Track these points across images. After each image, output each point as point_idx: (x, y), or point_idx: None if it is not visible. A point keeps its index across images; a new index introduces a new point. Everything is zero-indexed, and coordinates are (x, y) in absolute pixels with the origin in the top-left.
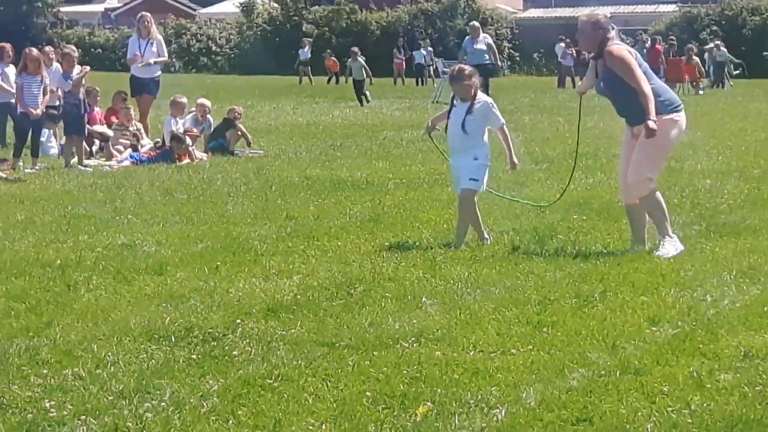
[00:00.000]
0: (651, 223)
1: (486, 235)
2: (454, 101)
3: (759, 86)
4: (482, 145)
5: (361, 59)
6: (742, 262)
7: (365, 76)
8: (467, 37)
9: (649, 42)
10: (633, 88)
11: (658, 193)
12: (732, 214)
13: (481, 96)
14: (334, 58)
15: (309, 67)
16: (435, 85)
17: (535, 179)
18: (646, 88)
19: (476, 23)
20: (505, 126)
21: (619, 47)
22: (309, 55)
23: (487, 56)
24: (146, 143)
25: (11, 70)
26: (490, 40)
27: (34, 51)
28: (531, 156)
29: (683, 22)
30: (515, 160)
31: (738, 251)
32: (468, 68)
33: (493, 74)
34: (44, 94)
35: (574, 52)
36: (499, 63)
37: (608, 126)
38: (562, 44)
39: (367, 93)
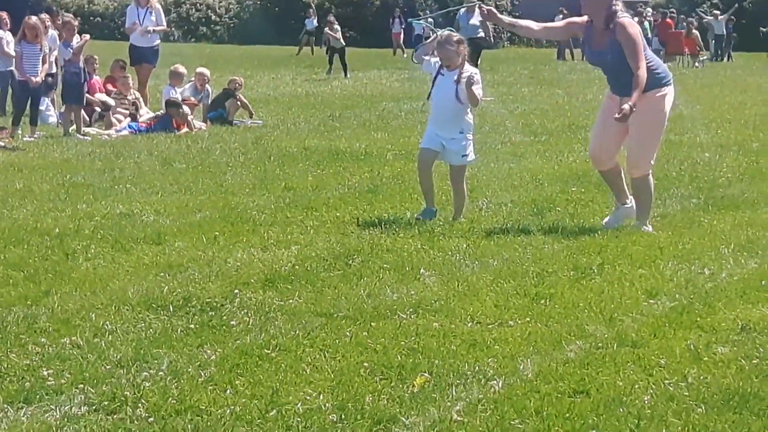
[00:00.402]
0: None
1: (433, 210)
2: (441, 70)
3: (758, 59)
4: (467, 117)
5: (338, 27)
6: (740, 235)
7: (344, 44)
8: (462, 11)
9: (650, 16)
10: (625, 60)
11: (650, 176)
12: (730, 187)
13: (468, 67)
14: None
15: (314, 37)
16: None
17: (534, 151)
18: (644, 72)
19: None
20: (470, 113)
21: (632, 22)
22: (315, 25)
23: (480, 31)
24: (145, 112)
25: (9, 37)
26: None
27: (33, 19)
28: (529, 128)
29: None
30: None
31: (736, 224)
32: (456, 35)
33: (484, 48)
34: (43, 62)
35: None
36: (492, 39)
37: None
38: (560, 17)
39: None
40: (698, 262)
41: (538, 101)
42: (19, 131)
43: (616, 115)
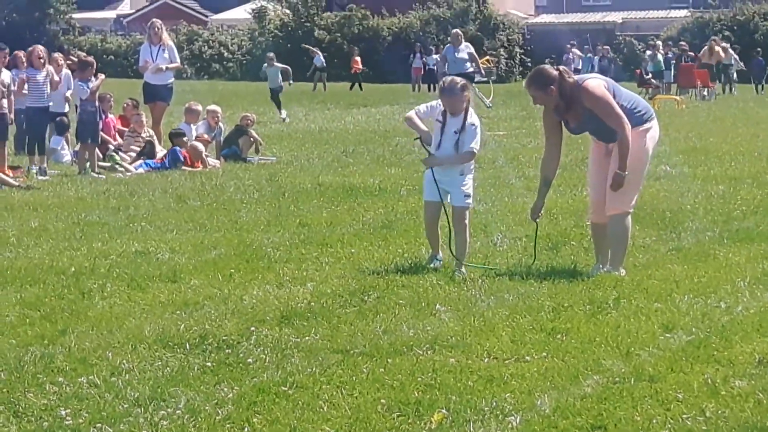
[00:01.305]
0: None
1: (440, 258)
2: (439, 117)
3: None
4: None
5: (278, 65)
6: (756, 268)
7: (281, 82)
8: (448, 45)
9: (662, 49)
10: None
11: (629, 218)
12: (745, 220)
13: (472, 115)
14: (357, 57)
15: (325, 73)
16: None
17: None
18: (628, 133)
19: (458, 31)
20: (472, 152)
21: (595, 82)
22: (323, 61)
23: (468, 65)
24: (159, 150)
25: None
26: (472, 49)
27: (38, 48)
28: None
29: (695, 27)
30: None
31: (751, 257)
32: (461, 81)
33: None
34: (52, 87)
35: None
36: (482, 72)
37: None
38: (574, 51)
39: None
40: (714, 296)
41: None
42: (34, 170)
43: (610, 185)
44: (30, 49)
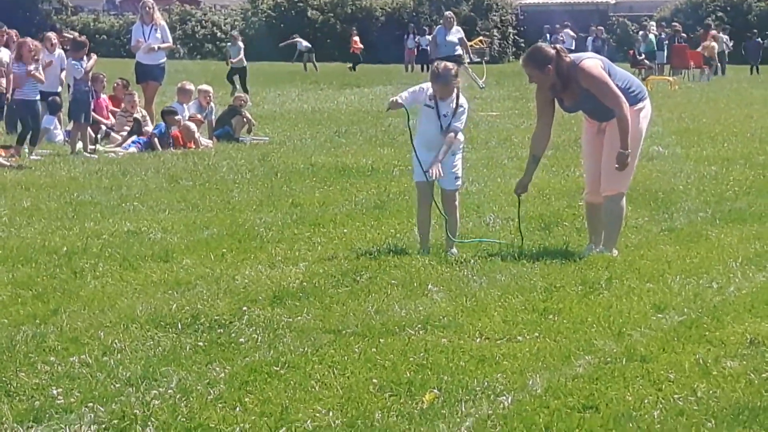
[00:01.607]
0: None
1: (427, 249)
2: (430, 102)
3: (764, 72)
4: (459, 140)
5: (241, 44)
6: (748, 248)
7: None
8: (439, 27)
9: (654, 29)
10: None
11: (624, 198)
12: (737, 200)
13: (461, 98)
14: (356, 37)
15: (313, 54)
16: None
17: (540, 165)
18: (626, 111)
19: (450, 14)
20: (460, 134)
21: (592, 61)
22: (307, 44)
23: (458, 48)
24: (148, 129)
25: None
26: (462, 34)
27: (29, 40)
28: None
29: (688, 8)
30: (438, 165)
31: (743, 238)
32: (453, 66)
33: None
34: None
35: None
36: (470, 56)
37: None
38: (566, 32)
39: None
40: (706, 276)
41: None
42: (26, 149)
43: (617, 166)
44: (20, 41)
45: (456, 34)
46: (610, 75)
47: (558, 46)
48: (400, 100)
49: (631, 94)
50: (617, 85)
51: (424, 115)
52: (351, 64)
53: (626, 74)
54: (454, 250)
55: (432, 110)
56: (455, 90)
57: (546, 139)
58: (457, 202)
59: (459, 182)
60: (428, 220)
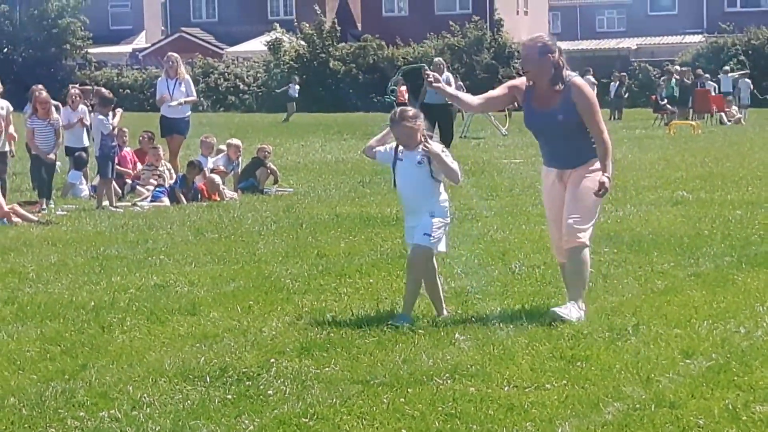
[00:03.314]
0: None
1: (445, 310)
2: (399, 152)
3: None
4: (439, 200)
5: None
6: None
7: None
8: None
9: (677, 74)
10: (581, 130)
11: (587, 250)
12: (763, 244)
13: (432, 143)
14: (403, 87)
15: (295, 104)
16: (463, 119)
17: None
18: (607, 137)
19: (440, 59)
20: (460, 177)
21: (585, 82)
22: (296, 94)
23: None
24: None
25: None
26: (452, 80)
27: (44, 93)
28: None
29: (710, 52)
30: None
31: None
32: (411, 110)
33: (454, 114)
34: (57, 136)
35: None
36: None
37: (636, 158)
38: (590, 77)
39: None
40: (733, 321)
41: None
42: (52, 204)
43: (598, 192)
44: (36, 94)
45: (446, 79)
46: None
47: (560, 46)
48: (375, 150)
49: (593, 149)
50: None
51: (398, 174)
52: None
53: None
54: (446, 312)
55: (402, 162)
56: (419, 136)
57: (474, 107)
58: (420, 266)
59: (430, 240)
60: (419, 285)
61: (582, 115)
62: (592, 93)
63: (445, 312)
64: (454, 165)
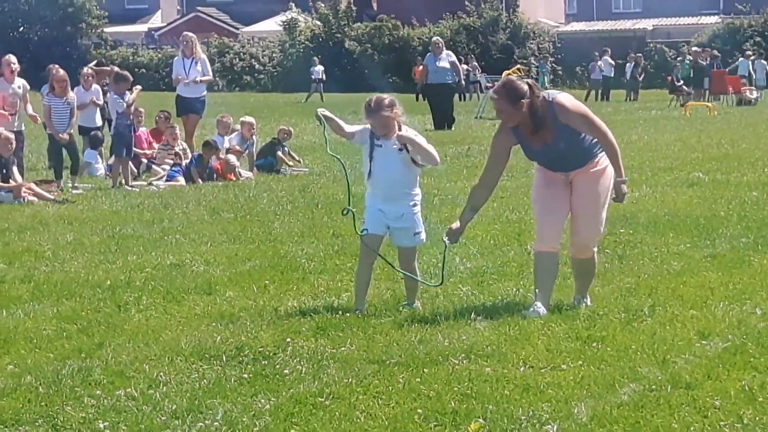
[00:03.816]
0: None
1: (417, 302)
2: (376, 140)
3: None
4: (416, 191)
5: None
6: None
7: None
8: (428, 54)
9: (689, 55)
10: (580, 137)
11: (596, 254)
12: None
13: (407, 131)
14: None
15: (322, 84)
16: (479, 100)
17: None
18: (613, 138)
19: (439, 39)
20: (417, 188)
21: (564, 95)
22: (321, 75)
23: (449, 75)
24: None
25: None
26: (454, 58)
27: (61, 72)
28: None
29: (726, 33)
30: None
31: None
32: (388, 97)
33: (455, 93)
34: (71, 115)
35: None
36: (463, 82)
37: (652, 139)
38: (608, 58)
39: None
40: (750, 302)
41: None
42: (69, 183)
43: (616, 198)
44: (53, 71)
45: (447, 59)
46: None
47: (531, 81)
48: (350, 132)
49: (594, 144)
50: (586, 138)
51: (378, 158)
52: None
53: None
54: (416, 304)
55: (381, 149)
56: (395, 124)
57: (490, 191)
58: (413, 260)
59: (420, 237)
60: (368, 278)
61: (580, 129)
62: (577, 105)
63: (416, 303)
64: (431, 148)
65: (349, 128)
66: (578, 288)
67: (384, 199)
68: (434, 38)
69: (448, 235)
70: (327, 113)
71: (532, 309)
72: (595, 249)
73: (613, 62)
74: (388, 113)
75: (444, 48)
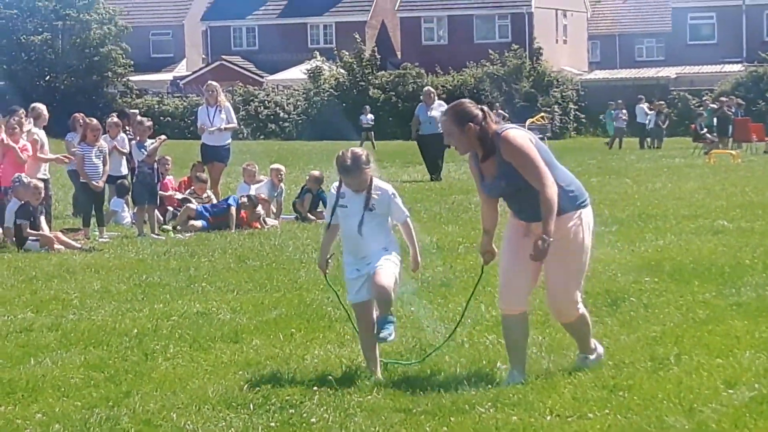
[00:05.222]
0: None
1: (379, 372)
2: (340, 198)
3: None
4: (390, 241)
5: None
6: None
7: None
8: (419, 104)
9: (711, 104)
10: (526, 182)
11: (585, 313)
12: None
13: (378, 183)
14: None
15: (372, 132)
16: None
17: (605, 241)
18: (551, 190)
19: (430, 89)
20: (409, 219)
21: (518, 132)
22: (370, 123)
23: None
24: None
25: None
26: (444, 107)
27: (94, 121)
28: (600, 218)
29: (749, 81)
30: (419, 258)
31: None
32: (364, 152)
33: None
34: (104, 164)
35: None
36: None
37: (676, 187)
38: (640, 107)
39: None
40: None
41: (606, 191)
42: (96, 232)
43: (531, 253)
44: (87, 120)
45: (438, 108)
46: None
47: (485, 108)
48: (333, 239)
49: (570, 196)
50: (558, 185)
51: (342, 219)
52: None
53: (567, 173)
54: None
55: (346, 209)
56: (368, 179)
57: (493, 213)
58: (393, 290)
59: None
60: (374, 342)
61: (519, 170)
62: (523, 144)
63: (378, 374)
64: (404, 209)
65: (331, 241)
66: (579, 346)
67: (356, 259)
68: (426, 88)
69: (485, 256)
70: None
71: (510, 377)
72: (580, 308)
73: (648, 111)
74: (368, 169)
75: (435, 98)
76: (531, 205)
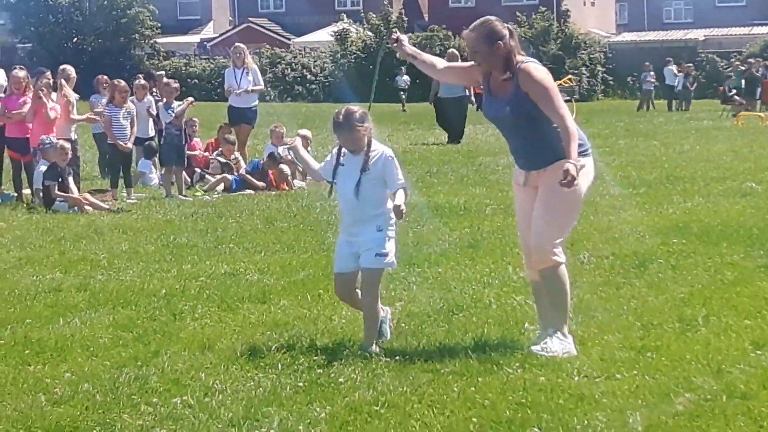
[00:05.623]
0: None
1: (375, 345)
2: (341, 156)
3: None
4: (384, 212)
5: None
6: None
7: None
8: None
9: (741, 66)
10: (544, 121)
11: (563, 268)
12: None
13: (377, 146)
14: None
15: (405, 93)
16: None
17: (633, 203)
18: (570, 122)
19: (455, 51)
20: (404, 191)
21: (537, 66)
22: (406, 84)
23: (464, 89)
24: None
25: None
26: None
27: (122, 82)
28: (628, 180)
29: None
30: (403, 208)
31: None
32: (359, 110)
33: (466, 108)
34: (132, 125)
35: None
36: (473, 101)
37: (704, 149)
38: (669, 69)
39: None
40: None
41: (634, 153)
42: (123, 193)
43: (562, 181)
44: (115, 82)
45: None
46: None
47: (511, 27)
48: (316, 170)
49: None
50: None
51: (340, 178)
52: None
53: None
54: (373, 348)
55: (344, 168)
56: (366, 138)
57: (436, 71)
58: (376, 290)
59: (385, 260)
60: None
61: (537, 103)
62: (544, 76)
63: (374, 347)
64: (401, 177)
65: (315, 165)
66: (548, 322)
67: (350, 223)
68: (450, 50)
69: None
70: (300, 151)
71: (537, 337)
72: (557, 257)
73: (677, 73)
74: (360, 128)
75: (459, 60)
76: (527, 151)
